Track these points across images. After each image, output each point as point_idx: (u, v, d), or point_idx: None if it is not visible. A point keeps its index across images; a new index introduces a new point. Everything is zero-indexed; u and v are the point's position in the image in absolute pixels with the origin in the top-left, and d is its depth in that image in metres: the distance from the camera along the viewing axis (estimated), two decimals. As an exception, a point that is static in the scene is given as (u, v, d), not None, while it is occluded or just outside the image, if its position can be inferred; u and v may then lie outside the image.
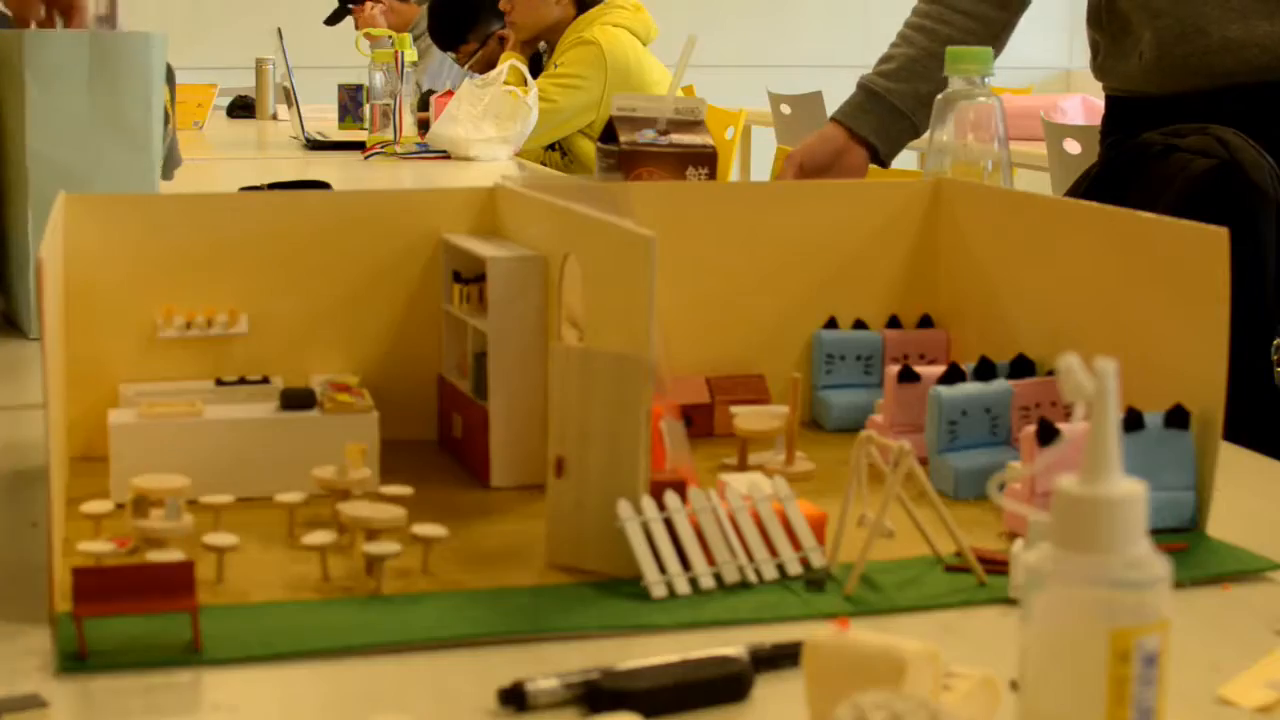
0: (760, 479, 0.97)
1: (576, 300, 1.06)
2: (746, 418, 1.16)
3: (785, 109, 5.45)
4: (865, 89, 2.01)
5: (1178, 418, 1.01)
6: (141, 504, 0.94)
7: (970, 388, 1.12)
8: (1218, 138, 1.70)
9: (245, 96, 5.08)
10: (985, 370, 1.16)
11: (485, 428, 1.11)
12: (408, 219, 1.21)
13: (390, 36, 3.53)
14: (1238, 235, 1.69)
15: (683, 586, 0.89)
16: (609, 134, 1.71)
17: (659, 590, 0.89)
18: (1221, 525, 1.01)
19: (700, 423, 1.23)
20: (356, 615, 0.86)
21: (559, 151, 3.97)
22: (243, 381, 1.16)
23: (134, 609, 0.80)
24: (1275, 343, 1.66)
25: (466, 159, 3.24)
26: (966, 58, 1.51)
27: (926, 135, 1.64)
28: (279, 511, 1.00)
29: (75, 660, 0.78)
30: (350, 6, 5.63)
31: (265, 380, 1.16)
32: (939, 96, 1.53)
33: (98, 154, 1.59)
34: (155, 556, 0.88)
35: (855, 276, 1.31)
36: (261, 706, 0.76)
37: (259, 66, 4.92)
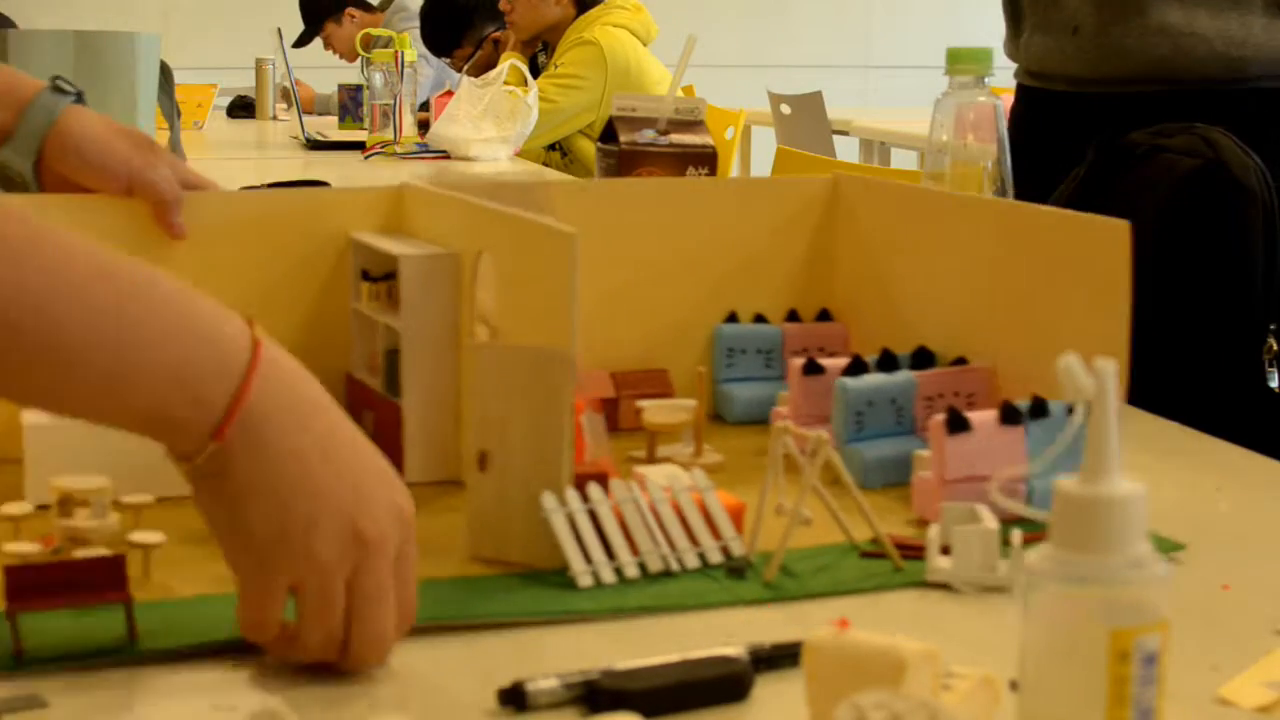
0: (678, 471, 0.99)
1: (490, 297, 1.07)
2: (654, 411, 1.17)
3: (785, 109, 5.45)
4: None
5: None
6: (66, 504, 0.94)
7: (875, 379, 1.15)
8: (1204, 138, 1.70)
9: (245, 96, 5.08)
10: (888, 362, 1.19)
11: (398, 424, 1.11)
12: (315, 218, 1.21)
13: (391, 36, 3.53)
14: (1225, 236, 1.69)
15: (608, 575, 0.91)
16: (609, 134, 1.71)
17: (585, 580, 0.90)
18: (1226, 526, 1.02)
19: (606, 417, 1.24)
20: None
21: (559, 151, 3.97)
22: None
23: (69, 603, 0.80)
24: (1267, 344, 1.66)
25: (466, 159, 3.24)
26: (966, 58, 1.50)
27: (926, 134, 1.64)
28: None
29: (12, 660, 0.78)
30: (321, 24, 5.65)
31: None
32: (939, 96, 1.53)
33: None
34: (82, 554, 0.89)
35: (755, 272, 1.34)
36: (253, 698, 0.76)
37: (259, 66, 4.92)
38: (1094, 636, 0.60)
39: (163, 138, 1.92)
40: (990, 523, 0.91)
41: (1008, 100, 1.80)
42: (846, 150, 5.29)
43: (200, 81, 4.44)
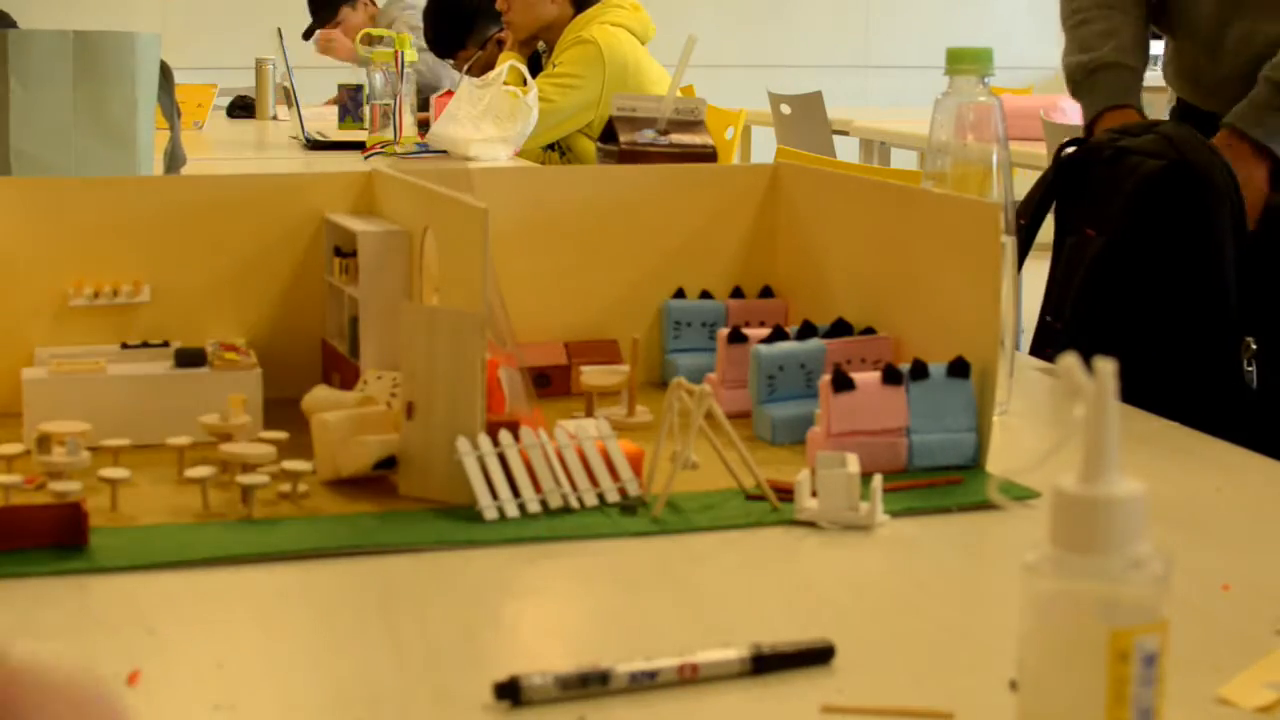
0: (588, 422, 1.08)
1: (435, 268, 1.19)
2: (592, 375, 1.28)
3: (785, 109, 5.45)
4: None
5: (959, 368, 1.13)
6: (45, 442, 1.06)
7: (787, 346, 1.24)
8: (1167, 136, 1.70)
9: (245, 96, 5.08)
10: (807, 331, 1.29)
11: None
12: (295, 199, 1.33)
13: (391, 36, 3.53)
14: (1193, 234, 1.69)
15: (512, 510, 1.01)
16: (609, 134, 1.71)
17: (491, 513, 1.01)
18: (1226, 526, 1.01)
19: (559, 382, 1.36)
20: (228, 533, 0.98)
21: (558, 151, 3.97)
22: (145, 345, 1.27)
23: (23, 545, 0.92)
24: (1246, 341, 1.65)
25: (466, 159, 3.23)
26: (966, 58, 1.50)
27: (926, 134, 1.64)
28: (170, 453, 1.11)
29: None
30: (338, 8, 5.63)
31: (165, 344, 1.27)
32: (939, 96, 1.53)
33: (81, 152, 1.59)
34: (55, 486, 0.99)
35: (702, 251, 1.44)
36: (253, 698, 0.76)
37: (259, 66, 4.92)
38: (1094, 636, 0.59)
39: (163, 138, 1.92)
40: (853, 468, 1.01)
41: (1007, 100, 1.80)
42: (846, 150, 5.28)
43: (200, 81, 4.43)
